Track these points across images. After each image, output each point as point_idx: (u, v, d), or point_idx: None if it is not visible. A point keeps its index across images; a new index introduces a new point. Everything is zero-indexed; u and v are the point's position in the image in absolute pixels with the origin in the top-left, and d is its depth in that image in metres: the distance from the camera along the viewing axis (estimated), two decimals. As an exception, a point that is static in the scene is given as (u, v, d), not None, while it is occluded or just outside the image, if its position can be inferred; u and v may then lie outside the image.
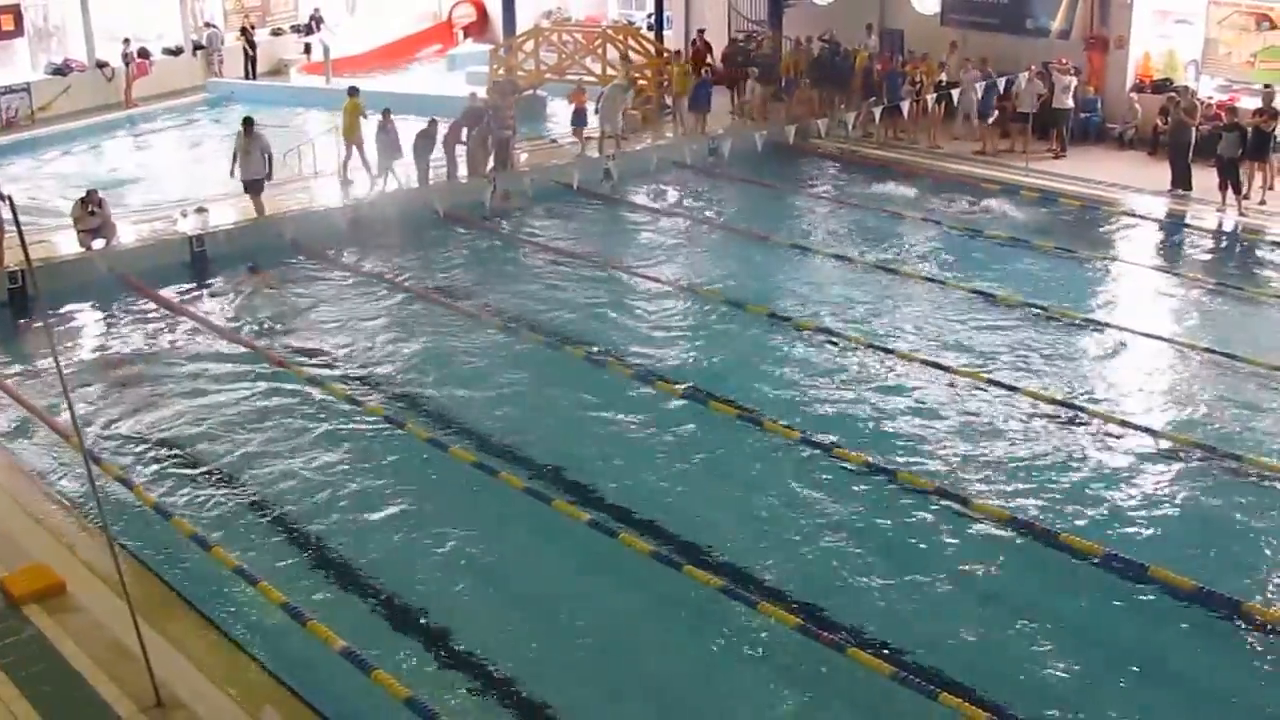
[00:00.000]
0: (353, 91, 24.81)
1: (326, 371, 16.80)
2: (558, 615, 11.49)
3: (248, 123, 22.58)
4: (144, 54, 35.27)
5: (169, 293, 19.89)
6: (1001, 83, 28.51)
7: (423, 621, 11.32)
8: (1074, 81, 28.00)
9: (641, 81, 31.25)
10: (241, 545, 12.46)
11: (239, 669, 10.41)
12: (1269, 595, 11.67)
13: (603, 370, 16.79)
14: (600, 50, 31.39)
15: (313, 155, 26.05)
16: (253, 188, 22.52)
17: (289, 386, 16.25)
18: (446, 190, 24.62)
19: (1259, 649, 10.99)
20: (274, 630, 11.15)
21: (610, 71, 30.52)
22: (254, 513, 13.19)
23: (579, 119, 27.64)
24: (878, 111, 29.50)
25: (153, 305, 19.45)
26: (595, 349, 17.43)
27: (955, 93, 29.20)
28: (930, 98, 29.39)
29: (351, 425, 15.14)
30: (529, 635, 11.24)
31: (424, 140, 24.36)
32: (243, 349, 17.60)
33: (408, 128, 24.71)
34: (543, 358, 17.37)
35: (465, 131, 25.07)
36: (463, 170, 25.32)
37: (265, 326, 18.58)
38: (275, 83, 38.33)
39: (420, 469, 14.15)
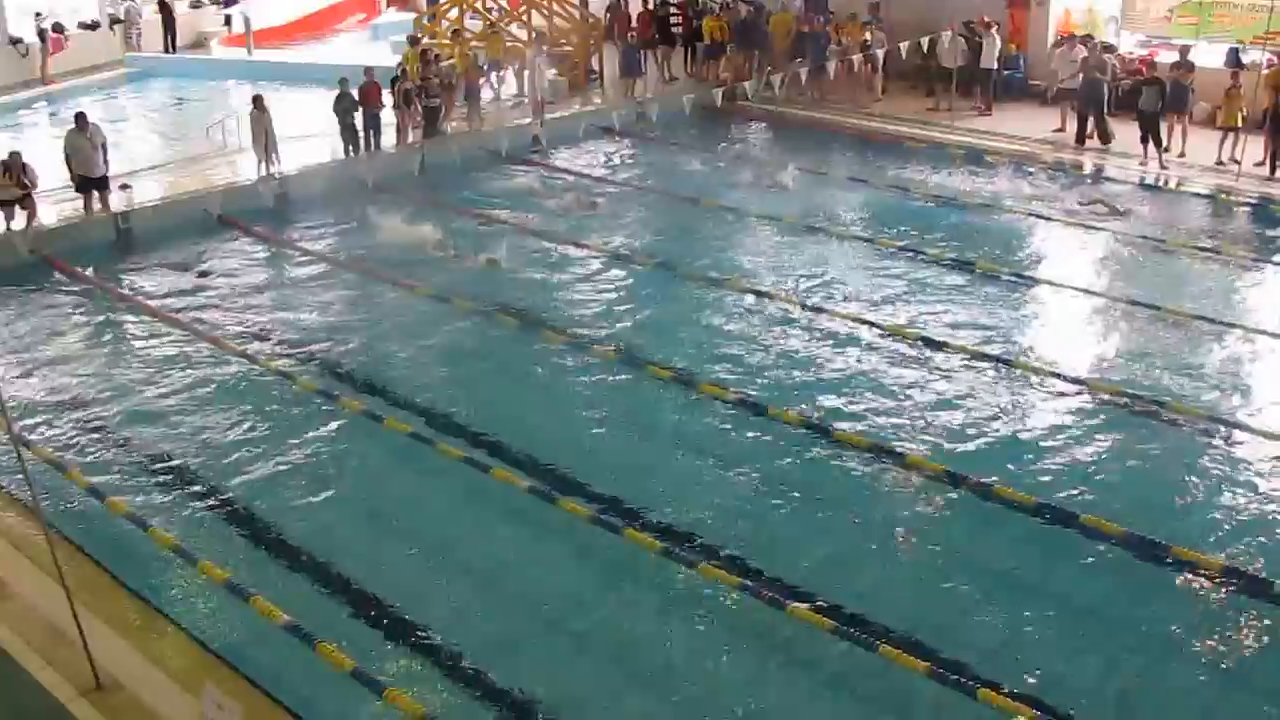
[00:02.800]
0: (257, 101, 23.37)
1: (258, 346, 16.65)
2: (501, 584, 11.48)
3: (80, 118, 21.25)
4: (59, 29, 34.64)
5: (94, 272, 19.59)
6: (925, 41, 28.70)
7: (365, 592, 11.26)
8: (998, 40, 28.21)
9: (567, 48, 31.13)
10: (180, 524, 12.35)
11: (180, 648, 10.36)
12: (1194, 538, 11.87)
13: (535, 336, 16.74)
14: (525, 17, 31.18)
15: (236, 129, 25.68)
16: (92, 185, 21.23)
17: (221, 363, 16.10)
18: (375, 161, 24.41)
19: (1186, 590, 11.20)
20: (216, 608, 11.08)
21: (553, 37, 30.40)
22: (190, 491, 13.05)
23: (471, 92, 27.31)
24: (803, 73, 29.57)
25: (78, 285, 19.16)
26: (528, 316, 17.37)
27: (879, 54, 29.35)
28: (856, 58, 29.48)
29: (285, 400, 15.03)
30: (472, 605, 11.21)
31: (341, 104, 24.08)
32: (173, 327, 17.38)
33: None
34: (476, 327, 17.30)
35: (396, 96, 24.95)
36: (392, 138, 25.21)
37: (195, 303, 18.33)
38: (196, 56, 37.78)
39: (357, 442, 14.06)
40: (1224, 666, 10.31)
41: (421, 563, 11.88)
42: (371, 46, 37.19)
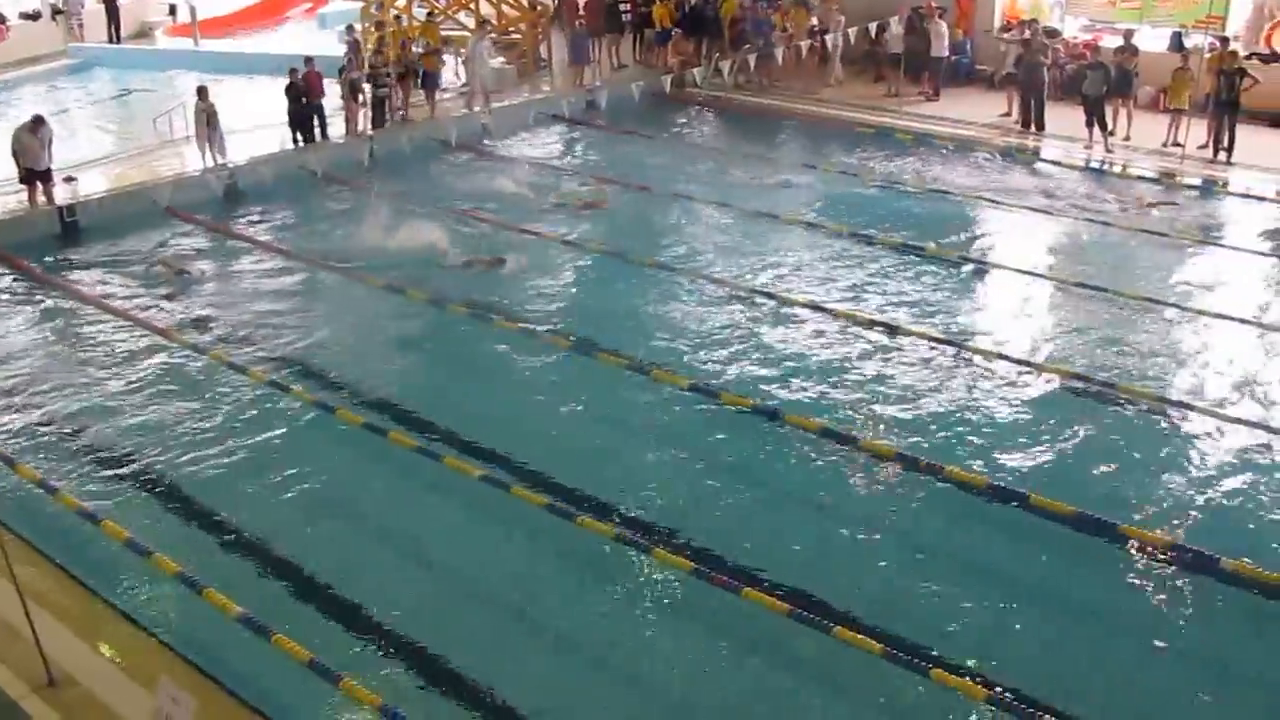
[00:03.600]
0: (201, 92, 23.27)
1: (207, 338, 16.53)
2: (460, 575, 11.47)
3: (37, 120, 21.16)
4: (-1, 19, 34.25)
5: (39, 265, 19.38)
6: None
7: (319, 582, 11.23)
8: (945, 26, 28.39)
9: (516, 36, 31.06)
10: (131, 518, 12.22)
11: (133, 642, 10.28)
12: (1143, 517, 12.02)
13: (489, 326, 16.71)
14: (473, 4, 31.05)
15: (184, 120, 25.44)
16: (36, 177, 21.20)
17: (169, 355, 15.97)
18: (324, 151, 24.26)
19: (1134, 569, 11.34)
20: (168, 601, 11.01)
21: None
22: (141, 484, 12.95)
23: (430, 81, 27.17)
24: (752, 59, 29.66)
25: (23, 278, 18.95)
26: (478, 305, 17.33)
27: (828, 39, 29.47)
28: (803, 44, 29.63)
29: (236, 391, 14.92)
30: (429, 593, 11.21)
31: (290, 93, 23.92)
32: (120, 319, 17.21)
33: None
34: (429, 317, 17.25)
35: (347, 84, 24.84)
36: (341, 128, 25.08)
37: (141, 295, 18.16)
38: (141, 46, 37.36)
39: (309, 433, 13.99)
40: (1169, 642, 10.46)
41: (378, 554, 11.85)
42: (319, 35, 36.95)
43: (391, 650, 10.32)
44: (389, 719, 9.28)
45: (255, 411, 14.43)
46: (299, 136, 24.24)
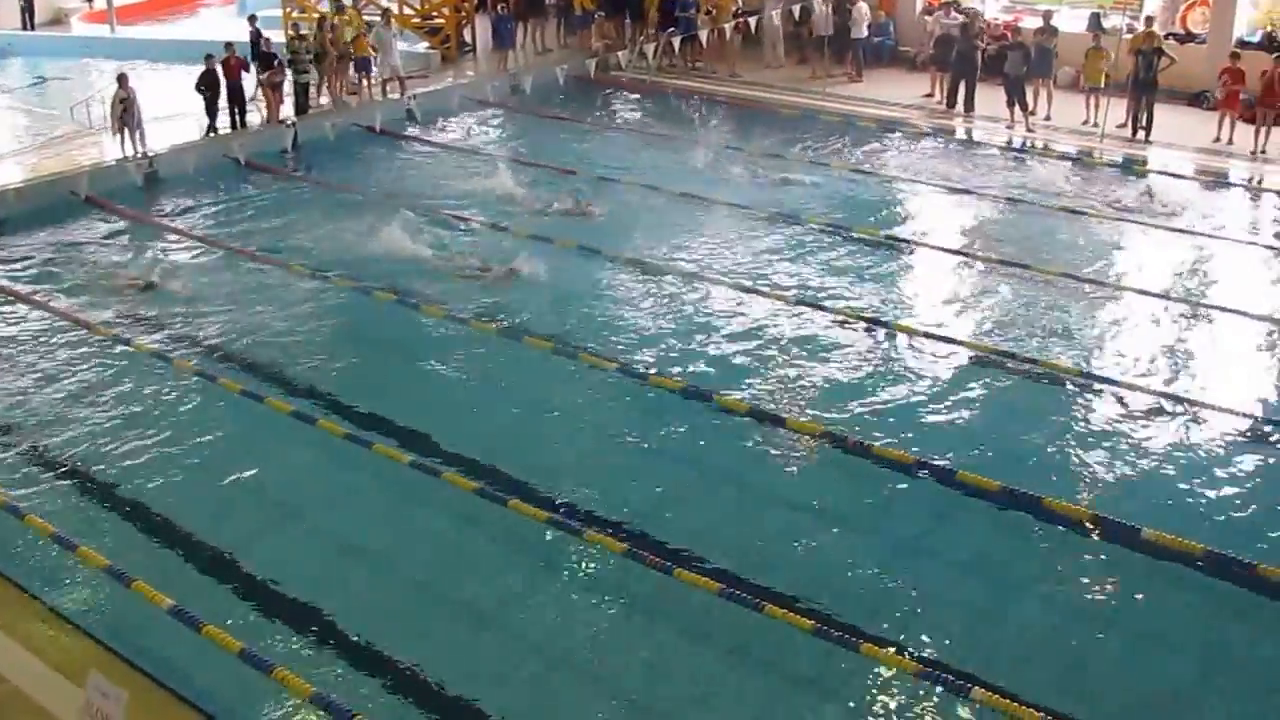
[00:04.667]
0: (121, 80, 22.78)
1: (131, 330, 16.31)
2: (387, 560, 11.45)
3: None
4: (-93, 7, 33.54)
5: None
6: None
7: (248, 573, 11.15)
8: (866, 8, 28.65)
9: (439, 20, 30.93)
10: (56, 511, 12.07)
11: (61, 637, 10.17)
12: (1066, 489, 12.26)
13: (415, 311, 16.65)
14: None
15: (102, 108, 25.08)
16: None
17: (90, 347, 15.75)
18: (246, 138, 24.03)
19: (1056, 541, 11.57)
20: (97, 595, 10.89)
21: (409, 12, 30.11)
22: (64, 477, 12.78)
23: (362, 65, 26.77)
24: (676, 41, 29.73)
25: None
26: (403, 291, 17.25)
27: (752, 21, 29.65)
28: (728, 26, 29.74)
29: (159, 382, 14.75)
30: (355, 581, 11.17)
31: (205, 80, 23.64)
32: (41, 311, 16.96)
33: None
34: (354, 303, 17.16)
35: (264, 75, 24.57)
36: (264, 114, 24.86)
37: (61, 286, 17.88)
38: (56, 33, 36.74)
39: (235, 422, 13.88)
40: (1090, 609, 10.70)
41: (312, 546, 11.79)
42: (238, 22, 36.47)
43: (325, 640, 10.27)
44: (322, 707, 9.28)
45: (179, 401, 14.29)
46: (216, 124, 23.93)
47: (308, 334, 16.13)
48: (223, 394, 14.42)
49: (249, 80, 24.64)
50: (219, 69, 23.68)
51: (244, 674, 9.67)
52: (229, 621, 10.29)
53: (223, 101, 23.95)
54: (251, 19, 27.21)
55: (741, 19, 30.19)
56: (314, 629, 10.40)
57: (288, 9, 29.88)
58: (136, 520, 12.05)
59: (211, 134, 23.78)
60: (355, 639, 10.28)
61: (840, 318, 16.28)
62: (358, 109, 26.22)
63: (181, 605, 10.34)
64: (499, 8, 30.08)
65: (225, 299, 17.18)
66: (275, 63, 24.83)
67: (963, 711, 9.35)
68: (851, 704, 9.56)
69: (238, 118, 24.33)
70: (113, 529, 11.91)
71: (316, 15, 27.83)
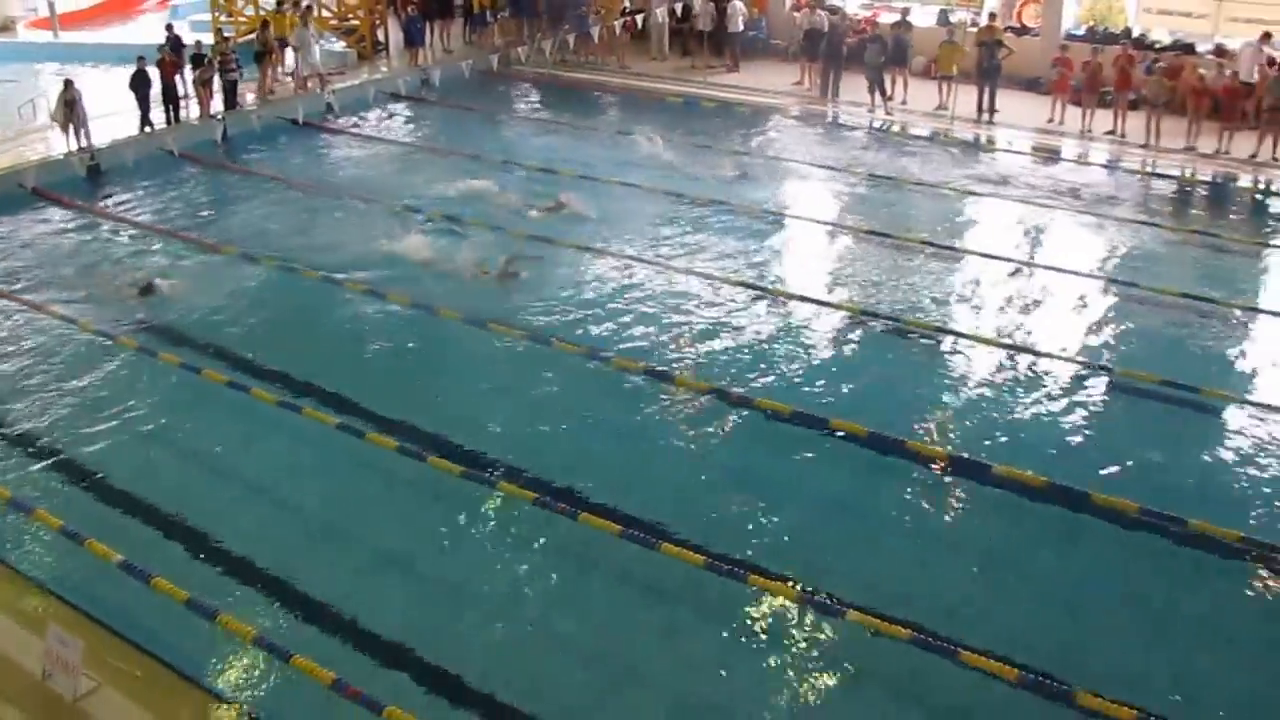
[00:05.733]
0: (67, 82, 22.13)
1: (78, 309, 15.86)
2: (326, 516, 11.38)
3: None
4: None
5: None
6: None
7: (195, 529, 11.02)
8: (741, 5, 28.83)
9: (354, 21, 30.52)
10: (11, 478, 11.85)
11: (19, 594, 10.02)
12: (927, 433, 12.55)
13: (342, 290, 16.44)
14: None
15: (47, 108, 24.30)
16: None
17: (41, 329, 15.31)
18: (180, 132, 23.53)
19: (919, 479, 11.84)
20: (53, 554, 10.71)
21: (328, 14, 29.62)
22: (18, 445, 12.52)
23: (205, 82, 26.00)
24: (571, 38, 29.70)
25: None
26: (329, 270, 17.00)
27: (639, 18, 29.69)
28: (617, 24, 29.78)
29: (108, 358, 14.43)
30: (294, 533, 11.13)
31: (139, 79, 23.04)
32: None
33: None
34: (283, 282, 16.90)
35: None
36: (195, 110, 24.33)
37: (10, 271, 17.37)
38: (3, 39, 35.64)
39: (178, 392, 13.66)
40: (958, 540, 11.01)
41: (246, 498, 11.72)
42: (175, 26, 35.61)
43: (264, 587, 10.22)
44: (263, 648, 9.26)
45: (126, 375, 14.02)
46: (151, 120, 23.38)
47: (238, 310, 15.82)
48: (164, 366, 14.15)
49: (184, 79, 24.11)
50: (149, 69, 23.12)
51: (192, 620, 9.62)
52: (171, 572, 10.19)
53: (160, 98, 23.39)
54: (169, 27, 26.49)
55: (629, 16, 30.25)
56: (255, 579, 10.33)
57: (215, 14, 29.22)
58: (84, 484, 11.83)
59: (148, 129, 23.25)
60: (291, 586, 10.24)
61: (728, 285, 16.41)
62: (281, 104, 25.77)
63: (130, 560, 10.22)
64: (409, 9, 29.75)
65: (161, 277, 16.81)
66: (205, 62, 24.35)
67: (839, 631, 9.59)
68: (741, 629, 9.73)
69: (172, 114, 23.82)
70: (65, 493, 11.67)
71: (259, 18, 27.25)
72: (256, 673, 9.22)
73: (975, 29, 25.79)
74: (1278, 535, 10.82)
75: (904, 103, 25.72)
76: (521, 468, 11.88)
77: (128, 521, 11.20)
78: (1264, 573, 10.37)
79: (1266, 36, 23.12)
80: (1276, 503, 11.44)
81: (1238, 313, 15.84)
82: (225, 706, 8.82)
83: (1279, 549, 10.58)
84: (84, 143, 21.90)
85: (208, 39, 26.31)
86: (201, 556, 10.66)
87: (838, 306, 15.77)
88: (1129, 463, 12.05)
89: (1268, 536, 10.76)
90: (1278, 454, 12.36)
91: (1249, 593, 10.24)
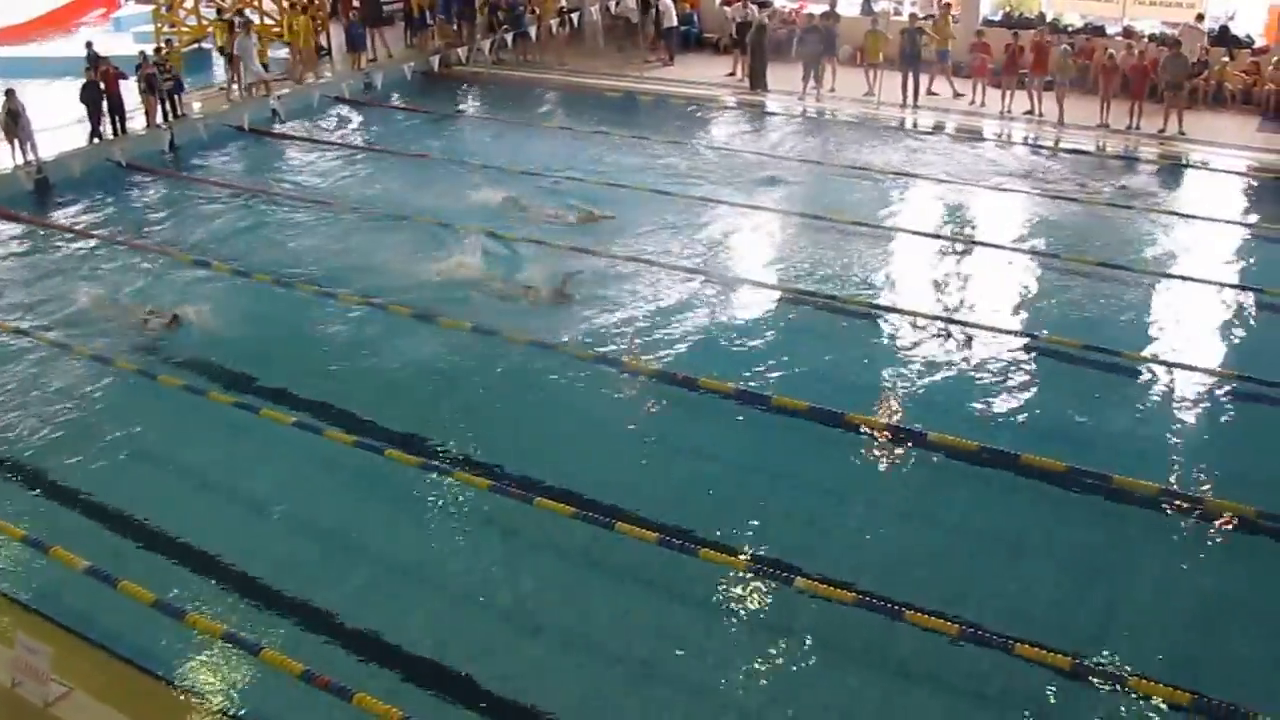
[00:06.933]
0: (9, 94, 21.53)
1: (30, 320, 15.58)
2: (282, 509, 11.28)
3: None
4: None
5: None
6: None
7: (158, 530, 10.89)
8: (672, 1, 28.87)
9: (295, 28, 30.17)
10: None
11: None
12: (861, 405, 12.66)
13: (292, 290, 16.30)
14: (256, 3, 29.93)
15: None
16: None
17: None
18: (126, 141, 23.19)
19: (857, 449, 11.98)
20: (19, 563, 10.53)
21: (269, 21, 29.27)
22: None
23: (150, 87, 25.41)
24: (509, 37, 29.57)
25: None
26: (283, 273, 16.85)
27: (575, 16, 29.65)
28: (553, 22, 29.67)
29: (62, 366, 14.21)
30: (256, 527, 11.01)
31: (87, 92, 22.68)
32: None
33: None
34: (235, 286, 16.70)
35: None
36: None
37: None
38: (-59, 56, 34.88)
39: (133, 397, 13.46)
40: (890, 503, 11.17)
41: (202, 497, 11.60)
42: (115, 38, 35.00)
43: (231, 584, 10.13)
44: (232, 643, 9.20)
45: (81, 382, 13.76)
46: (100, 131, 23.04)
47: (196, 314, 15.49)
48: (119, 372, 13.95)
49: (129, 89, 23.73)
50: (99, 81, 22.77)
51: (160, 621, 9.52)
52: (138, 575, 10.06)
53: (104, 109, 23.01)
54: (88, 44, 25.92)
55: (565, 14, 30.17)
56: (222, 577, 10.23)
57: (159, 25, 28.79)
58: (47, 492, 11.63)
59: (95, 140, 22.89)
60: (256, 580, 10.16)
61: (666, 270, 16.41)
62: (227, 111, 25.46)
63: (97, 565, 10.10)
64: (350, 14, 29.47)
65: (111, 286, 16.52)
66: (146, 61, 23.93)
67: (788, 599, 9.67)
68: (694, 601, 9.79)
69: (119, 125, 23.44)
70: (27, 503, 11.48)
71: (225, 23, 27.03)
72: (227, 668, 9.15)
73: (898, 18, 26.00)
74: (1193, 485, 11.14)
75: (832, 89, 25.84)
76: (465, 451, 11.86)
77: (94, 526, 11.04)
78: (1182, 522, 10.64)
79: (1200, 18, 23.70)
80: (1192, 456, 11.75)
81: (1148, 279, 16.17)
82: (198, 702, 8.75)
83: (1196, 498, 10.88)
84: (30, 156, 21.53)
85: (150, 49, 25.87)
86: (171, 558, 10.52)
87: (772, 287, 15.85)
88: (1056, 423, 12.26)
89: (1184, 487, 11.09)
90: (1191, 410, 12.66)
91: (1172, 539, 10.51)
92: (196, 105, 25.67)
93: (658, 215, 18.75)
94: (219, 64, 28.51)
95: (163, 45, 25.42)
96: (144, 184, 21.75)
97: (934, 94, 25.23)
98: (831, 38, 25.93)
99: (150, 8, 29.79)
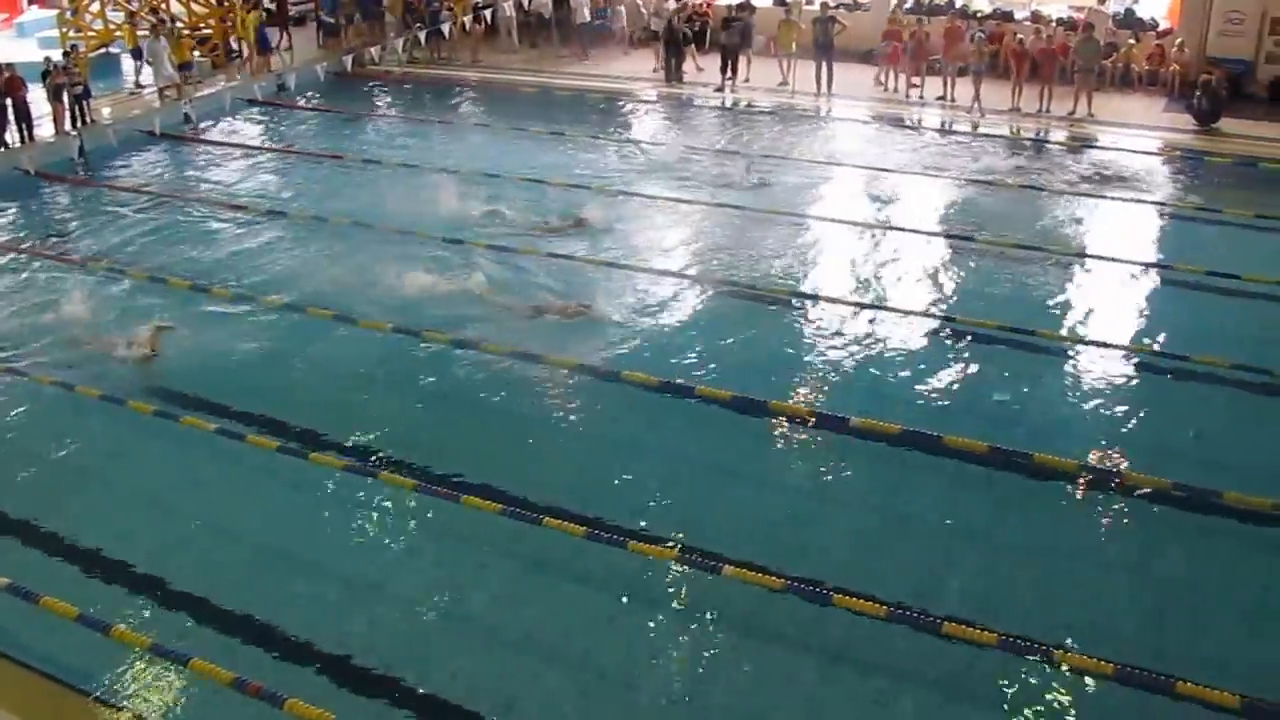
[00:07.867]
0: None
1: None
2: (205, 517, 11.12)
3: None
4: None
5: None
6: None
7: (79, 546, 10.67)
8: (586, -4, 29.01)
9: (207, 30, 29.78)
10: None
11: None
12: (783, 392, 12.81)
13: (205, 295, 16.02)
14: (164, 4, 29.46)
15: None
16: None
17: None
18: (34, 149, 22.69)
19: (780, 436, 12.11)
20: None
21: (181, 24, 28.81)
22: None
23: (58, 94, 24.84)
24: (423, 35, 29.40)
25: None
26: (199, 278, 16.59)
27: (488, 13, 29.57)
28: (467, 19, 29.53)
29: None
30: (180, 536, 10.83)
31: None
32: None
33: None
34: (153, 291, 16.37)
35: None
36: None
37: None
38: None
39: (52, 411, 13.16)
40: (817, 491, 11.29)
41: (128, 505, 11.41)
42: (19, 44, 34.26)
43: (157, 595, 9.97)
44: (160, 656, 9.07)
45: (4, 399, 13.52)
46: (4, 139, 22.53)
47: (105, 322, 15.26)
48: (38, 386, 13.62)
49: (36, 96, 23.24)
50: (2, 89, 22.26)
51: (85, 635, 9.31)
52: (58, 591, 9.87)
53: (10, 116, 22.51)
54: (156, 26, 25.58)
55: (479, 10, 30.08)
56: (149, 588, 10.05)
57: (64, 30, 28.23)
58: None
59: (1, 149, 22.36)
60: (180, 590, 9.99)
61: (593, 265, 16.41)
62: (137, 116, 25.01)
63: (16, 582, 9.88)
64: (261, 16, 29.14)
65: (30, 301, 16.16)
66: (55, 69, 23.46)
67: (714, 584, 9.75)
68: (625, 592, 9.83)
69: (26, 132, 22.92)
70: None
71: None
72: (156, 680, 8.99)
73: (810, 7, 26.26)
74: (1109, 461, 11.40)
75: (747, 80, 26.02)
76: (393, 454, 11.81)
77: (14, 545, 10.80)
78: (1099, 495, 10.88)
79: (1103, 1, 24.26)
80: (1108, 431, 12.01)
81: (1063, 259, 16.47)
82: (120, 714, 8.61)
83: (1111, 473, 11.14)
84: None
85: (58, 55, 25.37)
86: (91, 571, 10.33)
87: (697, 279, 15.91)
88: (976, 404, 12.49)
89: (1100, 463, 11.35)
90: (1106, 388, 12.93)
91: (1086, 512, 10.75)
92: (106, 110, 25.21)
93: (577, 208, 18.70)
94: (129, 68, 28.08)
95: (69, 50, 24.91)
96: (51, 192, 21.33)
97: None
98: (748, 29, 26.14)
99: (54, 13, 29.23)
